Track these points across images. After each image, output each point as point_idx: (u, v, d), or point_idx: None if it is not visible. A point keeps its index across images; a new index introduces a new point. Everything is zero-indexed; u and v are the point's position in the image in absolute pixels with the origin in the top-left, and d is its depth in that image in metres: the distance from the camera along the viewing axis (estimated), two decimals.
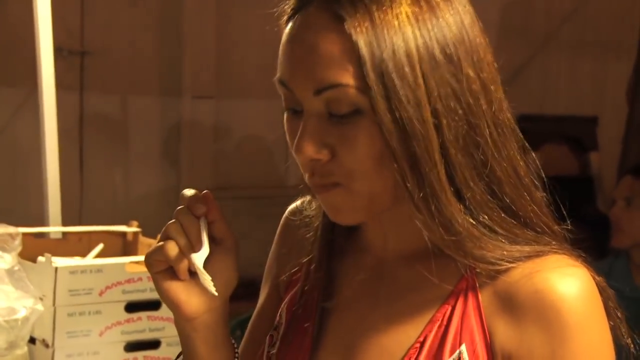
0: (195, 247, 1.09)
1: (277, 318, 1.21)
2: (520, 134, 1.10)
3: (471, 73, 1.03)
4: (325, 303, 1.16)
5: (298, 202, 1.27)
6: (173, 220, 1.10)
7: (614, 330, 1.07)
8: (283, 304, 1.21)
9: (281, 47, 1.07)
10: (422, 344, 1.05)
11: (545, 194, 1.11)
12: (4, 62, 4.30)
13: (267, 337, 1.20)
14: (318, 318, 1.16)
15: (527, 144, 1.11)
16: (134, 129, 5.07)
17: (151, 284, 2.04)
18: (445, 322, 1.05)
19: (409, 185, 1.01)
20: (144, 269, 2.05)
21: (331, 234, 1.18)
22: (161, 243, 1.10)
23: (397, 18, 1.00)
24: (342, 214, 1.08)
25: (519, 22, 5.78)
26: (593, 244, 4.50)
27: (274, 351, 1.18)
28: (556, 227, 1.10)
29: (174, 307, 1.12)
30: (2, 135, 4.71)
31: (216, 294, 1.09)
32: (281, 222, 1.29)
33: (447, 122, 1.01)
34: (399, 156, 1.00)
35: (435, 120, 1.00)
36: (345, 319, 1.14)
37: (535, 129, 5.95)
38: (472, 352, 1.03)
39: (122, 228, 2.42)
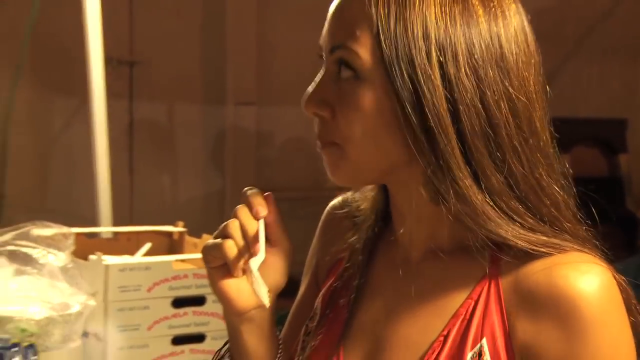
0: (252, 248, 1.08)
1: (314, 308, 1.22)
2: (552, 149, 1.08)
3: (492, 76, 1.02)
4: (357, 295, 1.16)
5: (339, 199, 1.27)
6: (233, 219, 1.10)
7: (635, 327, 1.03)
8: (320, 294, 1.22)
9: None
10: (446, 337, 1.05)
11: (570, 195, 1.09)
12: (60, 71, 4.34)
13: (303, 327, 1.21)
14: (350, 308, 1.16)
15: (557, 151, 1.10)
16: (180, 135, 5.10)
17: (196, 281, 2.06)
18: (468, 317, 1.04)
19: (424, 154, 1.01)
20: (189, 266, 2.08)
21: (376, 224, 1.19)
22: (220, 240, 1.09)
23: (422, 1, 1.01)
24: (335, 173, 1.08)
25: (550, 29, 5.73)
26: (623, 242, 4.48)
27: (308, 339, 1.19)
28: (578, 226, 1.07)
29: (225, 301, 1.12)
30: (58, 142, 4.77)
31: (268, 305, 1.09)
32: (323, 217, 1.29)
33: (463, 110, 1.00)
34: (415, 125, 1.00)
35: (450, 106, 1.00)
36: (374, 310, 1.14)
37: (567, 132, 5.84)
38: (493, 346, 1.02)
39: (169, 228, 2.42)
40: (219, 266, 1.11)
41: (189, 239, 2.38)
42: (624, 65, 5.88)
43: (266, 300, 1.09)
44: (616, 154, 5.85)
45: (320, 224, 1.29)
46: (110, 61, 4.39)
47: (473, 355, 1.03)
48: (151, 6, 4.80)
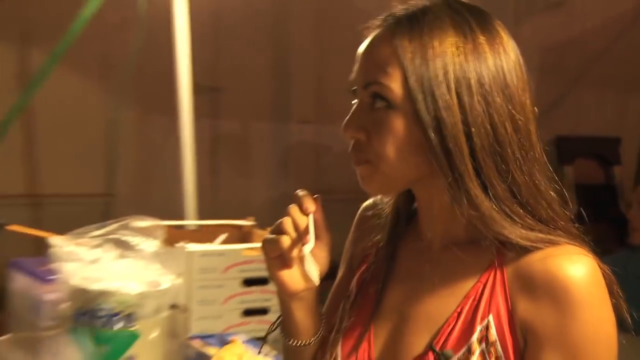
0: (303, 239, 1.08)
1: (349, 289, 1.21)
2: (544, 158, 1.07)
3: (499, 102, 1.01)
4: (384, 282, 1.15)
5: (370, 201, 1.27)
6: (286, 217, 1.09)
7: (616, 307, 1.03)
8: (355, 277, 1.21)
9: (357, 53, 1.09)
10: (459, 314, 1.04)
11: (563, 198, 1.07)
12: (159, 94, 4.38)
13: (341, 305, 1.20)
14: (378, 294, 1.15)
15: (550, 167, 1.08)
16: (254, 147, 5.14)
17: (262, 265, 2.05)
18: (477, 297, 1.04)
19: (444, 169, 1.01)
20: (256, 253, 2.09)
21: (397, 224, 1.18)
22: (276, 236, 1.09)
23: (442, 44, 1.00)
24: (369, 185, 1.08)
25: (557, 63, 5.70)
26: (616, 237, 4.42)
27: (344, 316, 1.18)
28: (570, 224, 1.06)
29: (280, 285, 1.13)
30: (157, 151, 4.82)
31: (317, 283, 1.10)
32: (357, 215, 1.29)
33: (476, 132, 1.00)
34: (437, 146, 1.00)
35: (465, 128, 1.00)
36: (400, 291, 1.14)
37: (570, 147, 5.90)
38: (498, 321, 1.01)
39: (241, 222, 2.44)
40: (276, 257, 1.11)
41: (257, 231, 2.39)
42: (618, 94, 5.86)
43: (316, 279, 1.09)
44: (611, 165, 5.84)
45: (354, 221, 1.29)
46: (199, 87, 4.46)
47: (481, 328, 1.02)
48: (233, 41, 4.84)
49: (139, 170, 5.04)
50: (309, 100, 5.10)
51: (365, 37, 1.08)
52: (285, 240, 1.08)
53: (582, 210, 1.15)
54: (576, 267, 0.99)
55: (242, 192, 5.06)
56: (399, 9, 1.07)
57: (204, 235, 2.34)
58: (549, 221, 1.04)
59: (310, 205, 1.09)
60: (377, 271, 1.18)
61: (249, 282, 2.10)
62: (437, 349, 1.03)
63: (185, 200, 2.87)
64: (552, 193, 1.06)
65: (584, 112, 5.87)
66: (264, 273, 2.04)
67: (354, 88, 1.08)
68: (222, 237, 2.32)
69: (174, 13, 2.86)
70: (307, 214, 1.09)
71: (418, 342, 1.06)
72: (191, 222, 2.62)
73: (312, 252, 1.09)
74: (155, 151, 4.90)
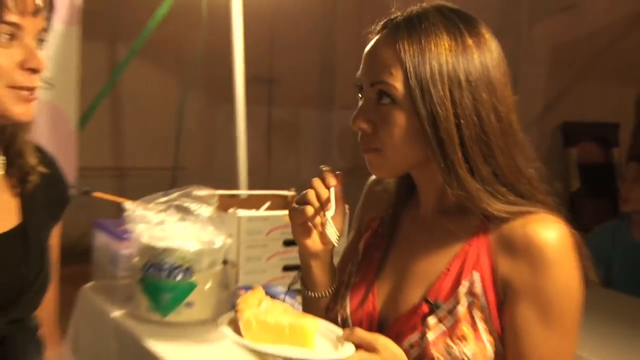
0: (325, 206, 1.08)
1: (357, 251, 1.20)
2: (524, 141, 1.05)
3: (485, 96, 1.00)
4: (389, 242, 1.15)
5: (375, 177, 1.25)
6: (310, 189, 1.10)
7: (583, 267, 1.02)
8: (362, 241, 1.21)
9: (363, 55, 1.07)
10: (449, 270, 1.04)
11: (542, 175, 1.06)
12: (221, 83, 4.40)
13: (350, 264, 1.20)
14: (383, 251, 1.14)
15: (531, 150, 1.07)
16: (302, 130, 5.16)
17: None
18: (464, 257, 1.03)
19: (437, 156, 1.00)
20: None
21: (400, 198, 1.17)
22: (300, 206, 1.10)
23: (437, 46, 0.99)
24: (377, 169, 1.08)
25: (565, 58, 5.62)
26: (615, 210, 4.36)
27: (352, 274, 1.18)
28: (548, 197, 1.05)
29: (302, 246, 1.13)
30: (218, 133, 4.86)
31: (336, 244, 1.10)
32: (365, 188, 1.27)
33: (465, 123, 0.99)
34: (432, 137, 0.99)
35: (456, 120, 0.99)
36: (399, 253, 1.13)
37: (575, 131, 5.81)
38: (482, 277, 1.01)
39: (284, 192, 2.42)
40: (301, 223, 1.11)
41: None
42: (618, 85, 5.74)
43: (335, 241, 1.10)
44: (611, 147, 5.74)
45: (363, 193, 1.27)
46: (257, 79, 4.48)
47: (467, 283, 1.03)
48: (285, 41, 4.84)
49: (203, 148, 5.13)
50: (350, 90, 5.08)
51: (369, 40, 1.07)
52: (309, 210, 1.08)
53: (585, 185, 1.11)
54: (550, 232, 0.98)
55: (292, 168, 5.08)
56: (397, 15, 1.05)
57: (253, 203, 2.33)
58: (529, 196, 1.03)
59: (332, 179, 1.09)
60: (381, 237, 1.17)
61: (288, 243, 2.08)
62: (431, 300, 1.03)
63: (237, 173, 2.90)
64: (531, 171, 1.05)
65: (588, 101, 5.76)
66: None
67: (359, 84, 1.08)
68: (267, 204, 2.30)
69: (232, 20, 2.88)
70: (328, 187, 1.09)
71: (414, 295, 1.06)
72: (242, 191, 2.64)
73: (331, 218, 1.09)
74: (217, 133, 4.95)
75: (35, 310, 1.15)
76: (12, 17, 0.98)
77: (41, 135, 2.68)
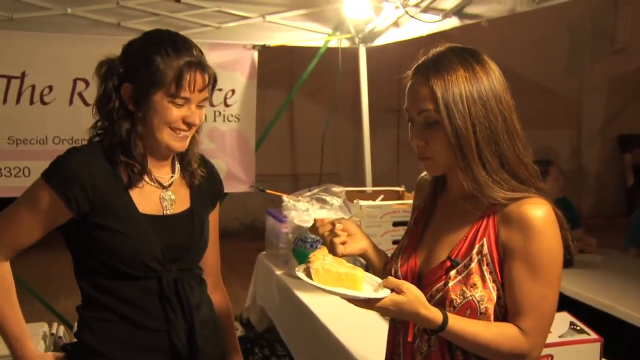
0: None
1: (410, 224, 1.21)
2: (522, 133, 1.01)
3: (494, 105, 1.00)
4: (428, 218, 1.15)
5: (424, 173, 1.22)
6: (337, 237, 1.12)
7: (564, 238, 0.99)
8: (412, 218, 1.21)
9: (406, 92, 1.07)
10: (465, 238, 1.04)
11: (537, 168, 1.03)
12: (354, 109, 4.40)
13: (404, 233, 1.22)
14: (424, 224, 1.15)
15: (525, 142, 1.01)
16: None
17: (405, 214, 2.04)
18: (477, 228, 1.03)
19: (458, 159, 1.00)
20: (403, 207, 2.04)
21: (436, 188, 1.16)
22: (335, 239, 1.11)
23: (457, 79, 1.00)
24: (431, 171, 1.08)
25: (619, 86, 5.19)
26: None
27: (404, 241, 1.18)
28: (540, 183, 1.03)
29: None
30: (355, 151, 4.88)
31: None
32: (417, 181, 1.25)
33: (479, 130, 0.99)
34: (455, 146, 1.00)
35: (472, 129, 0.99)
36: (434, 226, 1.13)
37: (629, 141, 5.72)
38: (489, 242, 1.01)
39: (396, 188, 2.40)
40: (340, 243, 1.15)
41: (407, 194, 2.33)
42: None
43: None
44: None
45: (416, 184, 1.25)
46: (387, 109, 4.46)
47: (479, 246, 1.02)
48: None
49: (340, 158, 5.30)
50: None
51: (408, 81, 1.06)
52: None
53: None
54: (537, 210, 0.99)
55: (414, 173, 4.98)
56: (422, 59, 1.05)
57: (373, 196, 2.33)
58: (526, 180, 1.02)
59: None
60: (424, 214, 1.17)
61: (396, 224, 2.06)
62: (452, 257, 1.03)
63: (364, 174, 2.88)
64: (528, 158, 1.02)
65: (638, 118, 5.56)
66: (405, 219, 2.00)
67: (408, 113, 1.08)
68: (381, 197, 2.28)
69: (360, 65, 2.89)
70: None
71: (442, 255, 1.06)
72: (366, 188, 2.62)
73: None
74: (352, 149, 4.99)
75: (198, 262, 1.25)
76: (186, 94, 1.13)
77: (233, 152, 2.82)
